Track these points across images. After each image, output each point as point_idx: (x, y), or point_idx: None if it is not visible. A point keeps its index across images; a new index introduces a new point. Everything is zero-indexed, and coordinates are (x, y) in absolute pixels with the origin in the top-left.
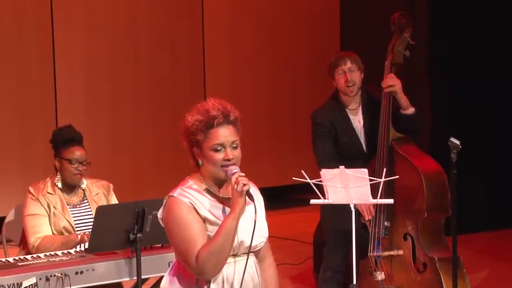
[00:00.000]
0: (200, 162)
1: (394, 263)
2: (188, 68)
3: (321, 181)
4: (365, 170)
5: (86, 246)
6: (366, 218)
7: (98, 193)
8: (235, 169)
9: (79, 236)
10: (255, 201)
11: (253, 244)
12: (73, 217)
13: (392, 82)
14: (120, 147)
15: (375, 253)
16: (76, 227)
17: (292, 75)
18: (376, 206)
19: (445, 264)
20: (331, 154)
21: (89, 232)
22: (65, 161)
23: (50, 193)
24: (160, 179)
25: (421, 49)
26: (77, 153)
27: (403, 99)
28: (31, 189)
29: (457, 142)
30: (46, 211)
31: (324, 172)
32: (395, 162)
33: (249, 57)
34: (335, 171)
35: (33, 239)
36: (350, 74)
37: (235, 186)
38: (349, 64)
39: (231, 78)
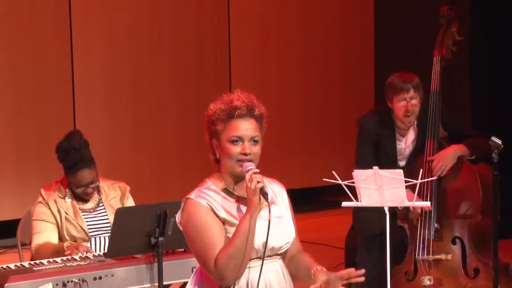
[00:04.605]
0: (218, 155)
1: (442, 268)
2: (214, 63)
3: (353, 182)
4: (400, 171)
5: (77, 256)
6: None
7: (115, 196)
8: (250, 165)
9: (65, 248)
10: (280, 200)
11: (277, 246)
12: (87, 222)
13: (439, 164)
14: (142, 146)
15: (421, 257)
16: (90, 233)
17: (324, 71)
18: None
19: (499, 270)
20: (371, 156)
21: (99, 236)
22: (72, 184)
23: (61, 198)
24: (186, 180)
25: (463, 48)
26: (81, 180)
27: (461, 155)
28: (42, 191)
29: (499, 141)
30: (55, 217)
31: (357, 173)
32: None
33: (278, 52)
34: (368, 172)
35: (34, 245)
36: (411, 104)
37: (249, 184)
38: (412, 93)
39: (259, 75)
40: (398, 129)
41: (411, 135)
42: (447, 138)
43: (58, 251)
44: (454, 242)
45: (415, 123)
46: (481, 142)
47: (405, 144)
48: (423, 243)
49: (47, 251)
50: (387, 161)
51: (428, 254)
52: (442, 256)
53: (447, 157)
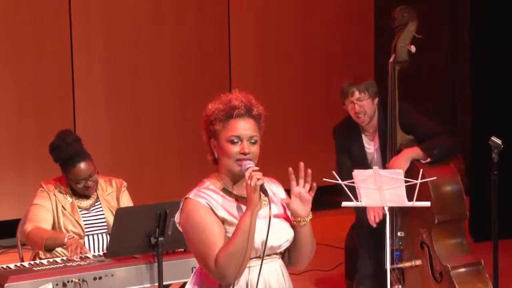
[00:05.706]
0: (216, 155)
1: (414, 274)
2: (214, 63)
3: (353, 182)
4: (400, 171)
5: (77, 256)
6: (373, 223)
7: (111, 192)
8: (249, 164)
9: (66, 239)
10: (278, 198)
11: (275, 244)
12: (83, 218)
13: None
14: (142, 146)
15: (392, 266)
16: (86, 229)
17: (324, 71)
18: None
19: (461, 272)
20: (349, 168)
21: (97, 234)
22: (71, 180)
23: (61, 193)
24: (186, 180)
25: (463, 48)
26: (80, 173)
27: (415, 158)
28: (43, 184)
29: (499, 141)
30: (52, 208)
31: (357, 173)
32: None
33: (278, 52)
34: (368, 172)
35: (28, 226)
36: (359, 105)
37: (249, 182)
38: (357, 95)
39: (259, 75)
40: (364, 132)
41: (377, 139)
42: (411, 142)
43: (55, 239)
44: (422, 247)
45: (378, 127)
46: (440, 142)
47: (374, 148)
48: (394, 252)
49: (42, 235)
50: (359, 167)
51: (398, 262)
52: (412, 263)
53: (396, 163)
